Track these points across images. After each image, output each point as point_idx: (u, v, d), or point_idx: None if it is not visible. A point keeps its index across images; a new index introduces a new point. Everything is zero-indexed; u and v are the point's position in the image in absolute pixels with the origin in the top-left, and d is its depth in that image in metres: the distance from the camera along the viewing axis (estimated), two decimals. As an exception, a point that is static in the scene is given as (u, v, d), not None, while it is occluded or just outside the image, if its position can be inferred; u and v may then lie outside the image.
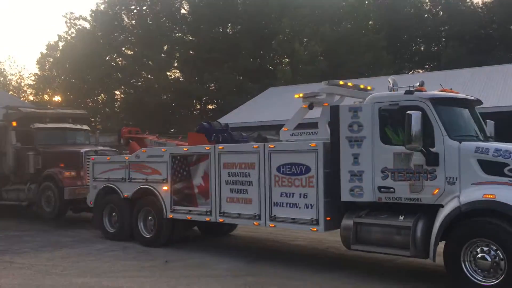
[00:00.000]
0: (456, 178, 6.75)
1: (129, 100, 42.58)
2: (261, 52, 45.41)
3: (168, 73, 44.73)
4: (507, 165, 6.43)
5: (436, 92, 7.38)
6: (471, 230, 6.52)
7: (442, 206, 6.86)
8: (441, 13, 48.12)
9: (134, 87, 43.86)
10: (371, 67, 41.39)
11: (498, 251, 6.28)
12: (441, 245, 6.90)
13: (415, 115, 6.71)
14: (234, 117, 27.96)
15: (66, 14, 46.84)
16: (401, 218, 7.18)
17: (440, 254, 6.88)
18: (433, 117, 6.98)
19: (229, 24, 45.58)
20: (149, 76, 43.61)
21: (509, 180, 6.40)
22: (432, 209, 6.99)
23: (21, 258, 9.71)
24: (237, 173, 9.10)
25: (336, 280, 7.63)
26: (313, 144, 8.04)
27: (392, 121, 7.30)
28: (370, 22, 47.84)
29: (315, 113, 8.88)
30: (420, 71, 46.70)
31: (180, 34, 44.97)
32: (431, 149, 6.89)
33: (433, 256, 6.79)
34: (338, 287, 7.31)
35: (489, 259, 6.35)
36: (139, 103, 39.88)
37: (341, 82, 8.75)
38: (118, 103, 45.76)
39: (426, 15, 48.58)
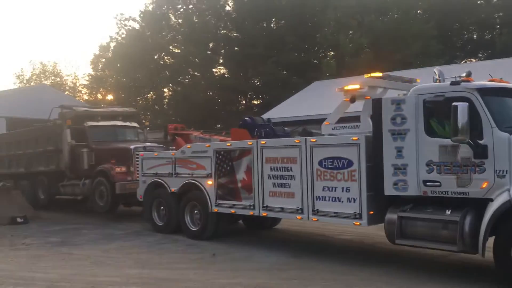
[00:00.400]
0: (506, 171, 6.51)
1: (176, 97, 43.45)
2: (306, 46, 45.04)
3: (213, 70, 45.27)
4: (561, 157, 6.12)
5: (484, 82, 7.12)
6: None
7: (491, 200, 6.63)
8: (495, -1, 45.99)
9: (181, 84, 44.70)
10: (420, 58, 40.21)
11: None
12: (491, 240, 6.69)
13: (462, 106, 6.51)
14: (279, 112, 27.98)
15: (117, 15, 48.52)
16: (448, 212, 7.00)
17: (489, 249, 6.66)
18: (481, 108, 6.74)
19: (273, 19, 45.52)
20: (196, 73, 44.33)
21: (562, 173, 6.09)
22: (480, 203, 6.77)
23: (79, 250, 10.25)
24: (280, 167, 9.14)
25: (385, 276, 7.53)
26: (355, 138, 7.96)
27: (438, 113, 7.11)
28: (418, 11, 46.43)
29: (357, 107, 8.77)
30: (473, 60, 44.89)
31: (225, 31, 45.35)
32: (479, 141, 6.67)
33: (482, 251, 6.58)
34: (388, 282, 7.21)
35: (543, 254, 6.10)
36: (186, 100, 40.60)
37: (383, 75, 8.59)
38: (166, 100, 46.79)
39: (478, 2, 46.56)
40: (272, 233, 11.90)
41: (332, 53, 44.55)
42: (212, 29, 44.17)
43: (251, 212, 9.74)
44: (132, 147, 13.97)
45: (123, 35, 47.54)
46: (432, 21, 41.77)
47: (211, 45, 44.72)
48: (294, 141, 9.01)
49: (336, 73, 37.83)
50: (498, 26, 44.48)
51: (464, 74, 7.18)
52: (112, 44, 48.66)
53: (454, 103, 6.57)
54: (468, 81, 7.00)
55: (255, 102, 46.11)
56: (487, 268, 7.24)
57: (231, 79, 43.07)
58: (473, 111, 6.67)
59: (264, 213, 9.51)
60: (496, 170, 6.58)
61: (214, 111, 42.55)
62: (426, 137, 7.20)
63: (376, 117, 7.70)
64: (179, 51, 44.97)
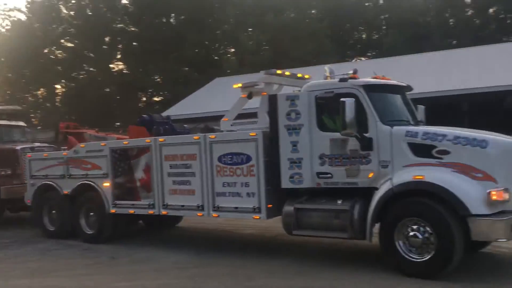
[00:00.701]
0: (389, 161, 7.03)
1: (70, 94, 41.13)
2: (206, 42, 45.00)
3: (110, 65, 43.50)
4: (435, 147, 6.75)
5: (369, 79, 7.62)
6: (402, 210, 6.83)
7: (376, 188, 7.13)
8: (381, 1, 49.47)
9: (76, 80, 42.35)
10: (316, 56, 42.05)
11: (427, 227, 6.61)
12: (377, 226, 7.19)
13: (349, 102, 6.91)
14: (181, 109, 27.66)
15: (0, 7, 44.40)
16: (339, 202, 7.41)
17: (376, 235, 7.16)
18: (366, 103, 7.21)
19: (173, 14, 44.82)
20: (91, 68, 42.26)
21: (437, 161, 6.73)
22: (368, 192, 7.24)
23: None
24: (179, 164, 9.05)
25: (283, 267, 7.76)
26: (253, 133, 8.12)
27: (328, 108, 7.46)
28: (313, 11, 48.58)
29: (255, 103, 8.94)
30: (363, 58, 47.95)
31: (122, 25, 43.75)
32: (365, 135, 7.12)
33: (369, 237, 7.06)
34: (285, 272, 7.44)
35: (420, 236, 6.68)
36: (81, 97, 38.61)
37: (278, 71, 8.85)
38: (59, 97, 44.06)
39: (366, 4, 49.81)
40: (174, 232, 11.76)
41: (233, 49, 45.01)
42: (108, 22, 42.37)
43: (150, 212, 9.54)
44: (18, 148, 13.00)
45: (8, 27, 43.92)
46: (325, 21, 43.93)
47: (107, 39, 42.89)
48: (193, 137, 8.97)
49: (237, 69, 38.25)
50: (384, 27, 47.94)
51: (351, 72, 7.63)
52: (-6, 37, 44.76)
53: (342, 99, 6.96)
54: (355, 78, 7.45)
55: (155, 99, 45.18)
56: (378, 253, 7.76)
57: (130, 75, 41.76)
58: (359, 106, 7.11)
59: (164, 212, 9.36)
60: (380, 161, 7.09)
61: (112, 108, 40.95)
62: (318, 132, 7.55)
63: (272, 113, 7.93)
64: (73, 45, 42.54)
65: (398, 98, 7.94)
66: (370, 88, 7.33)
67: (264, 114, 8.41)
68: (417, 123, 7.95)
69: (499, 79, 19.71)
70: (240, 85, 8.91)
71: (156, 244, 10.19)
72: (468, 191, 6.38)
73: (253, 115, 8.75)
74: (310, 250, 8.85)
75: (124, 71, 43.75)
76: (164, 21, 44.58)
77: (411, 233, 6.74)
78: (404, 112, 7.86)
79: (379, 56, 41.40)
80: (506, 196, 6.31)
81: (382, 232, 7.01)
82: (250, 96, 8.85)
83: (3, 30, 43.98)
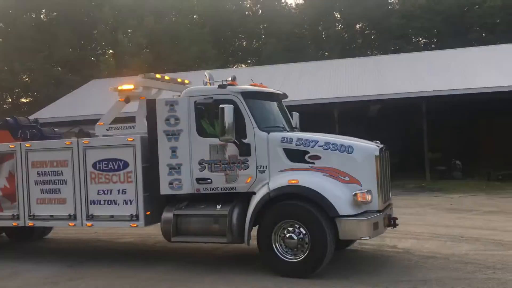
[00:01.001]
0: (266, 166, 7.27)
1: None
2: (82, 42, 42.71)
3: (-30, 62, 39.19)
4: (307, 152, 7.13)
5: (247, 86, 7.82)
6: (278, 213, 7.09)
7: (254, 193, 7.32)
8: (260, 11, 51.26)
9: None
10: (197, 61, 42.18)
11: (302, 229, 6.94)
12: (255, 229, 7.37)
13: (228, 108, 7.02)
14: (53, 111, 25.88)
15: None
16: (219, 207, 7.47)
17: (255, 238, 7.34)
18: (244, 109, 7.38)
19: (43, 10, 41.76)
20: None
21: (309, 166, 7.11)
22: (247, 197, 7.40)
23: None
24: (48, 172, 8.48)
25: (166, 274, 7.61)
26: (130, 139, 7.89)
27: (208, 114, 7.52)
28: (195, 16, 48.70)
29: (133, 107, 8.67)
30: (244, 65, 49.23)
31: (-16, 18, 39.70)
32: (243, 140, 7.28)
33: (247, 241, 7.22)
34: (169, 279, 7.29)
35: (295, 237, 6.98)
36: None
37: (157, 76, 8.70)
38: None
39: (247, 12, 51.26)
40: (43, 244, 10.89)
41: (111, 51, 43.24)
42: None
43: (14, 223, 8.77)
44: None
45: None
46: (207, 27, 44.28)
47: (-35, 32, 38.60)
48: (65, 143, 8.45)
49: (115, 71, 36.83)
50: (263, 36, 49.73)
51: (230, 78, 7.77)
52: None
53: (221, 105, 7.04)
54: (233, 85, 7.59)
55: (23, 100, 41.74)
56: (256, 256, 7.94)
57: (-6, 74, 37.99)
58: (237, 113, 7.25)
59: (30, 223, 8.67)
60: (258, 166, 7.30)
61: (-29, 109, 36.91)
62: (198, 137, 7.54)
63: (151, 118, 7.75)
64: None
65: (274, 105, 8.26)
66: (248, 95, 7.52)
67: (143, 119, 8.21)
68: (292, 129, 8.35)
69: (364, 90, 21.58)
70: (117, 88, 8.57)
71: (21, 257, 9.36)
72: (337, 194, 6.84)
73: (131, 119, 8.47)
74: (190, 256, 8.79)
75: (-14, 69, 39.65)
76: (34, 16, 41.40)
77: (287, 235, 7.02)
78: (280, 118, 8.19)
79: (258, 64, 42.89)
80: (369, 197, 6.87)
81: (260, 235, 7.19)
82: (127, 100, 8.57)
83: None
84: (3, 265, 8.76)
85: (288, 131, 7.90)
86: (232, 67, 47.20)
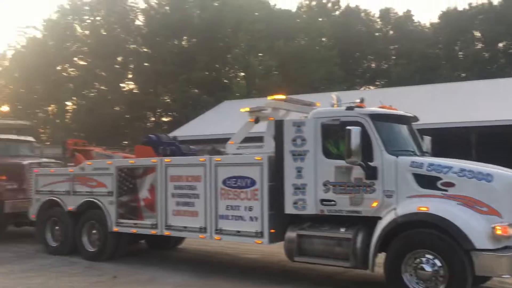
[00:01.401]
0: (393, 191, 7.02)
1: (81, 111, 41.58)
2: (217, 66, 45.53)
3: (121, 85, 44.07)
4: (440, 179, 6.74)
5: (375, 109, 7.67)
6: (410, 242, 6.73)
7: (380, 218, 7.09)
8: (391, 32, 50.03)
9: (86, 98, 42.89)
10: (325, 82, 42.40)
11: (436, 260, 6.51)
12: (381, 256, 7.12)
13: (355, 130, 6.94)
14: (189, 130, 27.84)
15: (17, 23, 45.64)
16: (342, 230, 7.37)
17: (380, 265, 7.08)
18: (372, 132, 7.24)
19: (185, 37, 45.52)
20: (102, 87, 42.82)
21: (441, 193, 6.71)
22: (372, 221, 7.20)
23: None
24: (184, 186, 9.07)
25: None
26: (258, 158, 8.14)
27: (334, 135, 7.51)
28: (323, 39, 49.13)
29: (262, 127, 9.00)
30: (372, 87, 48.27)
31: (134, 46, 44.48)
32: (370, 163, 7.13)
33: (372, 267, 6.99)
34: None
35: (429, 269, 6.56)
36: (91, 115, 39.02)
37: (286, 97, 8.94)
38: (69, 114, 44.57)
39: (377, 34, 50.38)
40: (176, 253, 11.69)
41: (243, 73, 45.45)
42: (121, 42, 43.11)
43: (153, 232, 9.52)
44: (25, 162, 13.06)
45: (23, 44, 44.79)
46: (335, 49, 44.38)
47: (119, 59, 43.57)
48: (199, 159, 9.02)
49: (246, 93, 38.59)
50: (394, 57, 48.35)
51: (358, 100, 7.70)
52: (10, 53, 45.65)
53: (348, 127, 6.99)
54: (361, 107, 7.50)
55: (164, 119, 45.54)
56: (381, 284, 7.65)
57: (140, 95, 42.26)
58: (364, 135, 7.14)
59: (166, 233, 9.34)
60: (385, 190, 7.07)
61: (121, 127, 41.31)
62: (323, 158, 7.57)
63: (278, 138, 7.96)
64: (85, 63, 43.23)
65: (404, 128, 7.98)
66: (376, 117, 7.38)
67: (270, 138, 8.45)
68: (423, 154, 7.96)
69: (507, 113, 19.72)
70: (247, 109, 8.99)
71: (157, 264, 10.12)
72: (473, 225, 6.34)
73: (260, 139, 8.79)
74: (312, 278, 8.76)
75: (134, 91, 44.27)
76: (176, 43, 45.26)
77: (420, 266, 6.63)
78: (410, 142, 7.87)
79: (388, 85, 41.73)
80: (510, 231, 6.26)
81: (388, 263, 6.90)
82: (257, 121, 8.93)
83: (19, 46, 44.91)
84: (141, 270, 9.54)
85: (418, 156, 7.56)
86: (360, 88, 46.52)
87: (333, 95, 8.42)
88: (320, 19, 48.81)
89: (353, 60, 49.48)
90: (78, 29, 44.59)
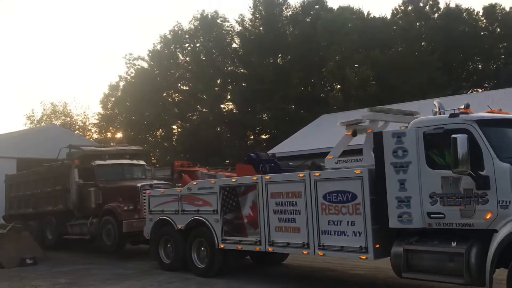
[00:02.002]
0: (509, 201, 6.49)
1: (185, 134, 43.93)
2: (312, 80, 45.66)
3: (221, 106, 45.89)
4: (562, 186, 6.11)
5: (483, 114, 7.20)
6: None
7: (496, 231, 6.58)
8: (498, 29, 46.54)
9: (190, 121, 45.30)
10: (426, 89, 40.51)
11: None
12: (498, 272, 6.60)
13: (461, 138, 6.56)
14: (288, 146, 28.10)
15: (126, 55, 49.46)
16: (454, 244, 6.95)
17: (499, 281, 6.56)
18: (481, 139, 6.79)
19: (279, 55, 46.35)
20: (204, 109, 44.93)
21: None
22: (486, 235, 6.71)
23: None
24: (285, 202, 9.16)
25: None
26: (358, 171, 8.01)
27: (438, 145, 7.16)
28: (422, 44, 47.05)
29: (361, 140, 8.85)
30: (479, 90, 45.10)
31: (232, 68, 46.23)
32: (481, 172, 6.67)
33: (489, 284, 6.49)
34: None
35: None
36: (195, 136, 41.03)
37: (384, 108, 8.71)
38: (175, 137, 47.29)
39: (482, 33, 47.15)
40: (281, 269, 11.78)
41: (338, 86, 45.01)
42: (219, 66, 45.07)
43: (257, 248, 9.71)
44: (139, 185, 14.03)
45: (132, 74, 48.58)
46: (436, 53, 42.25)
47: (218, 81, 45.52)
48: (298, 175, 9.07)
49: (343, 106, 38.12)
50: (503, 56, 44.83)
51: (463, 106, 7.28)
52: (122, 83, 49.71)
53: (453, 135, 6.62)
54: (467, 113, 7.08)
55: (263, 136, 46.46)
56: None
57: (239, 115, 43.63)
58: (472, 143, 6.71)
59: (270, 249, 9.48)
60: (499, 201, 6.56)
61: (222, 146, 42.88)
62: (428, 169, 7.23)
63: (378, 150, 7.77)
64: (187, 88, 45.78)
65: (517, 133, 7.36)
66: (484, 123, 6.92)
67: (369, 151, 8.28)
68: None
69: None
70: (345, 122, 8.90)
71: (267, 280, 10.22)
72: None
73: (358, 152, 8.64)
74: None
75: (233, 111, 45.82)
76: (271, 61, 46.22)
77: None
78: (525, 148, 7.23)
79: (498, 87, 38.72)
80: None
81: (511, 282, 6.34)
82: (354, 134, 8.79)
83: (129, 77, 48.81)
84: (253, 286, 9.68)
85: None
86: (466, 92, 43.69)
87: (435, 102, 8.08)
88: (417, 24, 46.92)
89: (457, 63, 46.70)
90: (180, 56, 47.45)
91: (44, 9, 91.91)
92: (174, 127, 47.09)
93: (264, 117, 44.71)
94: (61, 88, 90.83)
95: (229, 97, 46.30)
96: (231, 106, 46.79)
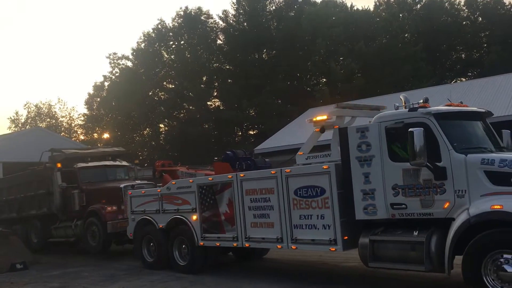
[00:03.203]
0: (465, 190, 6.79)
1: (172, 132, 44.03)
2: (298, 74, 45.89)
3: (208, 103, 46.01)
4: (514, 174, 6.42)
5: (440, 108, 7.48)
6: (487, 243, 6.46)
7: (454, 219, 6.89)
8: (480, 18, 47.05)
9: (177, 119, 45.37)
10: (411, 80, 40.89)
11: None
12: (458, 258, 6.89)
13: (417, 132, 6.84)
14: (276, 141, 28.33)
15: (110, 55, 49.38)
16: (415, 233, 7.25)
17: (458, 267, 6.86)
18: (438, 132, 7.08)
19: (264, 50, 46.53)
20: (191, 107, 45.03)
21: (517, 189, 6.38)
22: (446, 223, 7.01)
23: None
24: (259, 198, 9.43)
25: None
26: (326, 166, 8.28)
27: (399, 138, 7.42)
28: (406, 35, 47.41)
29: (330, 136, 9.10)
30: (463, 79, 45.59)
31: (217, 64, 46.33)
32: (438, 164, 6.96)
33: (448, 270, 6.80)
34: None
35: (510, 269, 6.28)
36: (182, 134, 41.14)
37: (350, 104, 8.98)
38: (163, 135, 47.36)
39: (464, 22, 47.63)
40: (264, 263, 11.97)
41: (324, 79, 45.29)
42: (204, 63, 45.17)
43: (234, 244, 9.97)
44: (122, 185, 14.16)
45: (117, 74, 48.51)
46: (420, 44, 42.62)
47: (204, 78, 45.62)
48: (270, 172, 9.33)
49: (330, 99, 38.35)
50: (485, 45, 45.34)
51: (422, 101, 7.56)
52: (106, 83, 49.60)
53: (410, 129, 6.90)
54: (425, 107, 7.36)
55: (251, 132, 46.67)
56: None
57: (226, 111, 43.79)
58: (430, 135, 7.01)
59: (246, 244, 9.73)
60: (456, 190, 6.86)
61: (210, 143, 43.07)
62: (390, 162, 7.51)
63: (343, 145, 8.04)
64: (173, 86, 45.82)
65: (475, 125, 7.68)
66: (441, 116, 7.20)
67: (337, 147, 8.53)
68: (500, 149, 7.60)
69: None
70: (313, 119, 9.15)
71: (259, 277, 10.26)
72: (553, 222, 5.96)
73: (328, 148, 8.91)
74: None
75: (220, 108, 45.96)
76: (257, 57, 46.38)
77: (501, 267, 6.35)
78: (483, 139, 7.55)
79: (481, 75, 39.15)
80: None
81: (467, 266, 6.65)
82: (323, 130, 9.05)
83: (113, 77, 48.72)
84: (246, 283, 9.72)
85: (492, 152, 7.22)
86: (450, 82, 44.17)
87: (401, 96, 8.33)
88: (401, 15, 47.27)
89: (441, 53, 47.16)
90: (165, 54, 47.44)
91: (25, 9, 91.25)
92: (162, 125, 47.18)
93: (251, 113, 44.92)
94: (45, 90, 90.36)
95: (215, 94, 46.43)
96: (217, 103, 46.95)
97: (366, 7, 49.85)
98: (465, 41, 46.10)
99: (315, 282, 9.43)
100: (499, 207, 6.35)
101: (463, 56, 48.11)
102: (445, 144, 7.00)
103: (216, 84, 46.13)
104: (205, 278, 10.48)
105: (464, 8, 48.10)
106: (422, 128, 6.89)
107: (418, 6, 49.19)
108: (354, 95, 35.06)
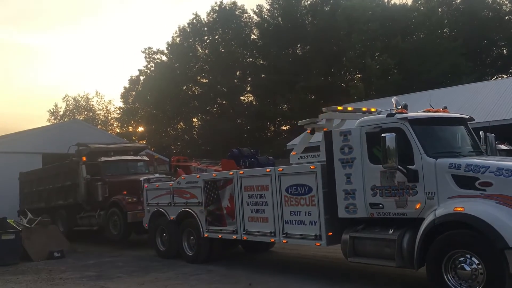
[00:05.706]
0: (434, 193, 7.17)
1: (205, 127, 44.98)
2: (332, 70, 45.78)
3: (241, 98, 46.68)
4: (477, 179, 6.75)
5: (416, 114, 7.84)
6: (446, 243, 6.87)
7: (424, 219, 7.27)
8: (524, 13, 45.37)
9: (210, 113, 46.30)
10: (449, 76, 40.07)
11: (474, 258, 6.60)
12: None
13: (389, 137, 7.25)
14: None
15: (145, 49, 50.41)
16: (391, 231, 7.68)
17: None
18: (411, 136, 7.47)
19: (299, 45, 46.60)
20: (224, 101, 45.87)
21: (480, 193, 6.71)
22: (418, 223, 7.40)
23: (114, 283, 10.29)
24: (255, 194, 10.05)
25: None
26: (313, 167, 8.81)
27: (378, 142, 7.82)
28: (445, 30, 46.34)
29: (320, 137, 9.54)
30: (504, 76, 44.19)
31: (251, 59, 46.86)
32: (410, 167, 7.35)
33: (416, 266, 7.22)
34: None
35: (468, 268, 6.67)
36: (215, 129, 42.03)
37: (339, 108, 9.42)
38: (196, 130, 48.42)
39: (506, 17, 46.04)
40: (268, 256, 12.55)
41: (359, 75, 44.98)
42: (238, 57, 45.76)
43: (234, 237, 10.64)
44: (141, 178, 15.03)
45: (152, 68, 49.68)
46: (459, 39, 41.60)
47: (238, 73, 46.27)
48: (265, 170, 9.93)
49: (364, 95, 38.19)
50: (529, 40, 43.74)
51: (400, 106, 7.93)
52: (142, 78, 50.71)
53: (383, 134, 7.32)
54: (402, 113, 7.73)
55: (283, 127, 47.03)
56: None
57: (259, 106, 44.30)
58: (405, 140, 7.42)
59: (244, 237, 10.39)
60: (426, 192, 7.25)
61: (242, 138, 43.75)
62: (369, 164, 7.95)
63: (328, 148, 8.53)
64: (207, 81, 46.72)
65: (453, 130, 8.01)
66: (416, 122, 7.58)
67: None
68: (479, 153, 7.88)
69: None
70: (303, 122, 9.65)
71: (287, 271, 10.52)
72: (508, 223, 6.27)
73: (318, 149, 9.39)
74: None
75: (253, 103, 46.55)
76: (291, 52, 46.58)
77: (459, 265, 6.74)
78: (458, 143, 7.89)
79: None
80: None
81: (430, 265, 7.08)
82: (313, 132, 9.55)
83: (148, 71, 49.96)
84: (274, 277, 9.87)
85: (467, 156, 7.54)
86: (491, 79, 42.90)
87: (393, 99, 8.70)
88: (440, 10, 46.23)
89: (481, 49, 45.81)
90: (199, 49, 48.39)
91: (66, 4, 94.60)
92: (195, 120, 48.25)
93: (284, 108, 45.26)
94: (83, 83, 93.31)
95: (248, 88, 47.05)
96: (250, 98, 47.55)
97: (404, 2, 48.75)
98: (507, 37, 44.54)
99: (324, 275, 9.72)
100: (461, 209, 6.71)
101: (504, 52, 46.51)
102: (418, 148, 7.38)
103: (249, 79, 46.70)
104: (237, 271, 10.61)
105: (507, 2, 46.43)
106: (394, 134, 7.29)
107: (458, 0, 47.94)
108: (389, 91, 34.72)
